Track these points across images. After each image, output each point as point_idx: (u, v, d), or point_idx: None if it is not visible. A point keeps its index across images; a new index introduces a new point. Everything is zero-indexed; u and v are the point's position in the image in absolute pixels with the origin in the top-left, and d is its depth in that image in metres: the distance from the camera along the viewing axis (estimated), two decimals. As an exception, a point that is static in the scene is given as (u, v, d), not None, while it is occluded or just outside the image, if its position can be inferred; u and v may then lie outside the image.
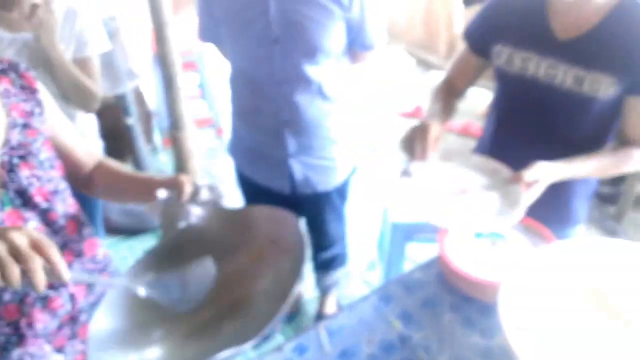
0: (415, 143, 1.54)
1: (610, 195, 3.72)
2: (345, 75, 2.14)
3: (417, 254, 3.25)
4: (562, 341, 1.16)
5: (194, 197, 1.38)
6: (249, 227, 1.44)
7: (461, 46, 1.88)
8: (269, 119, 2.08)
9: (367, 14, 1.96)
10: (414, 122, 1.61)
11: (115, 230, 3.44)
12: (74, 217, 1.37)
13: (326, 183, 2.28)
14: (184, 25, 3.92)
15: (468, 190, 1.59)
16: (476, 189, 1.59)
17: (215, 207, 1.43)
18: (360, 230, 3.61)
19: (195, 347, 1.25)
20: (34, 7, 1.90)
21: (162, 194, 1.32)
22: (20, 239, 0.92)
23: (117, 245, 3.45)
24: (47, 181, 1.29)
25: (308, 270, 2.90)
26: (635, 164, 1.65)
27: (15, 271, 0.90)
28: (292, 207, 2.42)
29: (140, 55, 2.97)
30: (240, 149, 2.30)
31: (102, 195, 1.58)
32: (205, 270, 1.25)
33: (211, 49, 2.32)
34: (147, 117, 4.36)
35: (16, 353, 1.22)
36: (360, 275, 3.28)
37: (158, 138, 4.54)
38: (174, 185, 1.35)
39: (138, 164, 3.60)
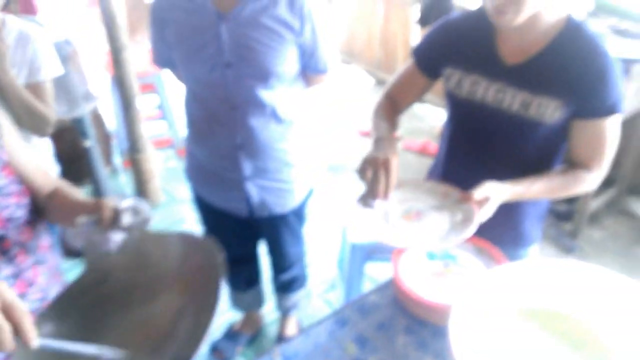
0: (377, 181, 1.53)
1: (566, 212, 3.79)
2: (299, 98, 2.15)
3: (377, 273, 3.28)
4: (510, 363, 1.17)
5: (115, 222, 1.31)
6: (174, 254, 1.38)
7: (407, 62, 1.89)
8: (223, 142, 2.08)
9: (319, 38, 1.98)
10: (369, 150, 1.61)
11: (73, 253, 3.39)
12: (26, 246, 1.35)
13: (282, 205, 2.28)
14: (141, 48, 3.92)
15: (420, 212, 1.61)
16: (428, 210, 1.61)
17: (140, 231, 1.36)
18: (320, 250, 3.62)
19: None
20: None
21: (80, 220, 1.26)
22: None
23: (76, 268, 3.40)
24: (3, 208, 1.27)
25: (268, 291, 2.90)
26: (584, 186, 1.68)
27: None
28: (249, 229, 2.45)
29: (97, 77, 2.96)
30: (197, 172, 2.29)
31: (54, 221, 1.53)
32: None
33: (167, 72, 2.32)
34: (106, 139, 4.33)
35: None
36: (320, 296, 3.28)
37: (118, 159, 4.51)
38: (94, 210, 1.29)
39: (96, 187, 3.57)
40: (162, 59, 2.15)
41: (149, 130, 4.17)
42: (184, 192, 4.08)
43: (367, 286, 3.02)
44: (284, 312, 2.87)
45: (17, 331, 0.92)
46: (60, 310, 1.26)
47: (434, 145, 4.68)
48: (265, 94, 1.98)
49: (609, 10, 3.49)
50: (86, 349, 1.13)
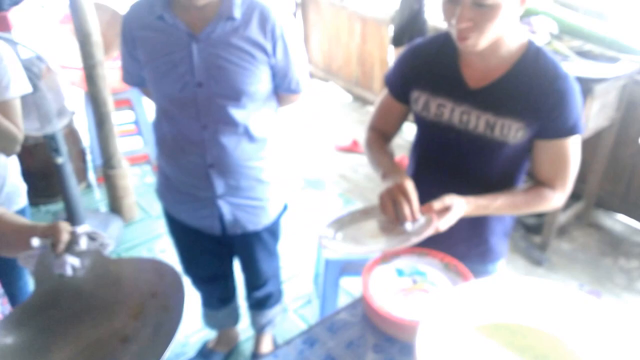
0: (401, 206, 1.57)
1: (535, 225, 3.85)
2: (272, 116, 2.17)
3: (353, 287, 3.31)
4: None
5: (72, 246, 1.31)
6: (130, 279, 1.38)
7: (383, 92, 1.94)
8: (195, 161, 2.09)
9: (291, 59, 2.01)
10: (387, 184, 1.64)
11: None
12: None
13: (256, 222, 2.30)
14: (117, 63, 3.91)
15: (386, 228, 1.64)
16: (391, 224, 1.63)
17: (97, 257, 1.36)
18: (295, 266, 3.64)
19: None
20: None
21: (36, 242, 1.26)
22: None
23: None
24: None
25: (243, 308, 2.90)
26: (549, 204, 1.73)
27: None
28: (223, 247, 2.46)
29: (72, 93, 2.96)
30: (168, 190, 2.30)
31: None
32: None
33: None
34: (81, 155, 4.32)
35: None
36: (296, 311, 3.29)
37: (92, 175, 4.50)
38: (49, 234, 1.29)
39: (68, 204, 3.56)
40: (132, 77, 2.17)
41: (124, 146, 4.17)
42: (159, 208, 4.07)
43: (342, 300, 3.04)
44: (259, 329, 2.86)
45: None
46: (7, 331, 1.26)
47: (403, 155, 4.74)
48: (237, 113, 2.00)
49: (572, 33, 3.56)
50: None
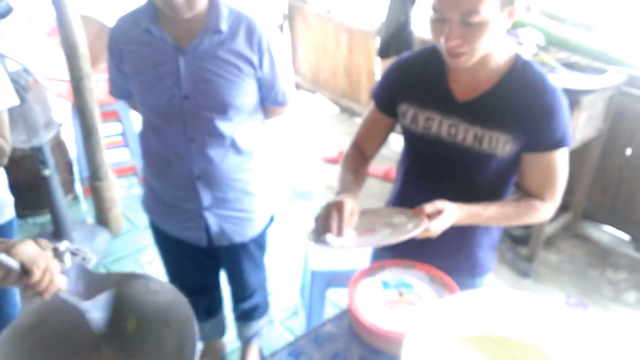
0: (330, 220, 1.58)
1: (522, 236, 3.86)
2: (259, 128, 2.18)
3: (340, 299, 3.31)
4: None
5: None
6: (118, 295, 1.38)
7: (369, 106, 1.94)
8: (181, 173, 2.09)
9: (278, 71, 2.02)
10: (329, 200, 1.65)
11: None
12: None
13: (243, 234, 2.30)
14: (104, 75, 3.91)
15: (374, 229, 1.65)
16: (381, 227, 1.65)
17: (81, 273, 1.35)
18: (281, 277, 3.63)
19: None
20: None
21: (6, 259, 1.19)
22: None
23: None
24: None
25: (230, 320, 2.90)
26: (539, 216, 1.74)
27: None
28: (209, 258, 2.45)
29: (59, 106, 2.96)
30: (154, 203, 2.30)
31: None
32: None
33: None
34: (68, 167, 4.31)
35: None
36: (282, 323, 3.29)
37: (79, 187, 4.48)
38: None
39: (55, 216, 3.54)
40: (119, 90, 2.17)
41: (111, 157, 4.16)
42: (146, 220, 4.06)
43: (329, 312, 3.03)
44: (246, 341, 2.86)
45: None
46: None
47: (390, 166, 4.76)
48: (224, 126, 2.00)
49: (559, 45, 3.58)
50: None
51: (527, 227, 3.77)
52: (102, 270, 3.62)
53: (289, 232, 4.05)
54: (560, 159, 1.67)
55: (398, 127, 1.91)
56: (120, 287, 1.40)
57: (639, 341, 3.13)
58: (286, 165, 4.97)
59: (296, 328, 3.24)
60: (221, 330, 2.91)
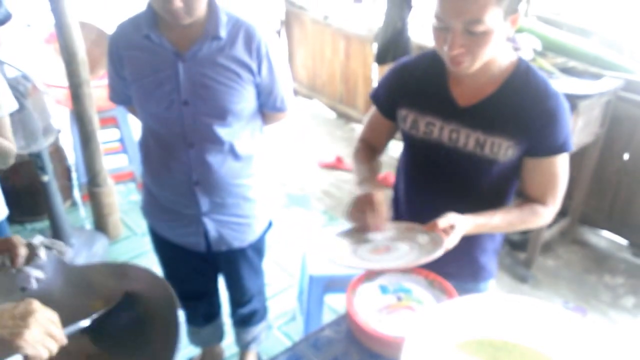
0: (366, 215, 1.60)
1: (520, 242, 3.87)
2: (258, 134, 2.19)
3: (338, 304, 3.30)
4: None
5: (31, 259, 1.30)
6: (95, 284, 1.38)
7: (372, 108, 1.95)
8: (180, 179, 2.09)
9: (276, 77, 2.03)
10: (359, 192, 1.67)
11: None
12: None
13: (241, 239, 2.30)
14: (103, 81, 3.92)
15: (389, 246, 1.65)
16: (395, 243, 1.65)
17: (59, 267, 1.35)
18: (279, 282, 3.63)
19: None
20: None
21: None
22: None
23: None
24: None
25: (228, 325, 2.89)
26: (541, 220, 1.75)
27: None
28: (208, 264, 2.46)
29: (58, 112, 2.96)
30: (153, 208, 2.30)
31: None
32: None
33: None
34: (66, 173, 4.31)
35: None
36: (280, 328, 3.29)
37: (77, 193, 4.49)
38: (4, 249, 1.28)
39: (53, 221, 3.54)
40: (118, 96, 2.18)
41: (109, 163, 4.16)
42: (144, 225, 4.06)
43: (327, 317, 3.03)
44: (244, 347, 2.85)
45: None
46: None
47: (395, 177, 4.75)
48: (223, 132, 2.01)
49: (556, 50, 3.60)
50: None
51: (524, 233, 3.77)
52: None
53: (286, 238, 4.06)
54: (562, 164, 1.68)
55: (398, 134, 1.92)
56: (100, 278, 1.40)
57: (637, 346, 3.14)
58: (283, 171, 4.98)
59: (294, 333, 3.24)
60: (219, 335, 2.90)
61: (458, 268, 1.88)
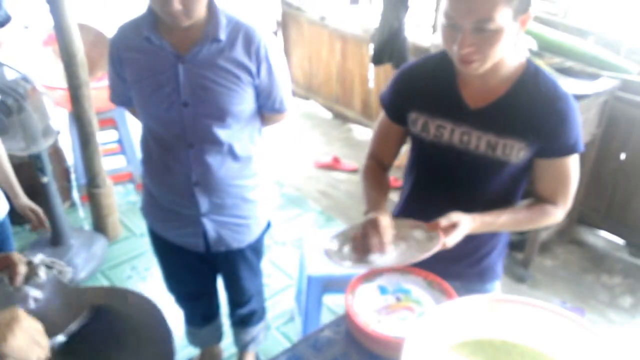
0: (370, 238, 1.59)
1: (518, 242, 3.88)
2: (257, 135, 2.20)
3: (336, 304, 3.31)
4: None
5: (31, 277, 1.28)
6: (98, 308, 1.35)
7: (380, 115, 1.93)
8: (180, 179, 2.10)
9: (275, 79, 2.04)
10: (363, 221, 1.67)
11: None
12: None
13: (240, 240, 2.31)
14: (102, 84, 3.92)
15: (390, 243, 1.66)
16: (396, 241, 1.65)
17: (58, 288, 1.32)
18: (277, 283, 3.64)
19: None
20: None
21: None
22: None
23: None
24: None
25: (226, 326, 2.90)
26: (551, 219, 1.75)
27: None
28: (206, 264, 2.47)
29: (57, 113, 2.96)
30: (153, 208, 2.31)
31: None
32: None
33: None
34: (65, 174, 4.31)
35: None
36: (278, 329, 3.29)
37: (76, 194, 4.49)
38: (3, 266, 1.25)
39: (53, 223, 3.55)
40: (119, 97, 2.19)
41: (108, 164, 4.16)
42: (143, 226, 4.07)
43: (325, 318, 3.04)
44: (242, 347, 2.86)
45: None
46: None
47: (391, 177, 4.74)
48: (222, 133, 2.02)
49: (553, 50, 3.61)
50: None
51: (522, 233, 3.78)
52: (99, 277, 3.63)
53: (283, 238, 4.07)
54: (573, 164, 1.69)
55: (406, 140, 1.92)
56: (98, 301, 1.38)
57: (636, 345, 3.15)
58: (279, 171, 4.98)
59: (292, 334, 3.25)
60: (218, 336, 2.91)
61: (465, 268, 1.89)
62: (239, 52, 1.93)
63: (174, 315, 2.71)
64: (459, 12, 1.44)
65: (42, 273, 1.30)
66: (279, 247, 3.98)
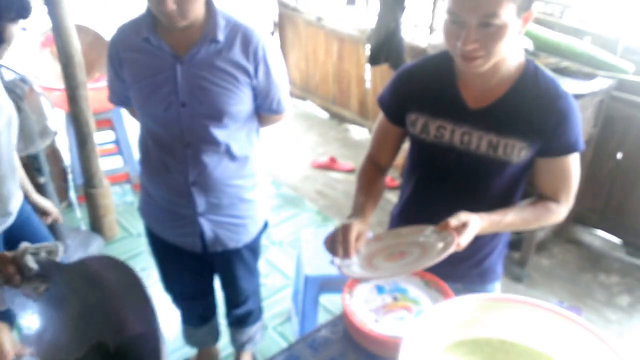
0: (337, 244, 1.60)
1: (515, 241, 3.88)
2: (254, 136, 2.20)
3: (333, 305, 3.31)
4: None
5: (23, 272, 1.27)
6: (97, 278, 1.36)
7: (379, 116, 1.92)
8: (177, 179, 2.11)
9: (273, 80, 2.04)
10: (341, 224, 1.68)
11: None
12: None
13: (237, 240, 2.31)
14: (100, 85, 3.92)
15: (404, 252, 1.65)
16: (410, 248, 1.65)
17: (55, 268, 1.32)
18: (275, 283, 3.65)
19: None
20: None
21: None
22: None
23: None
24: None
25: (223, 326, 2.90)
26: (555, 217, 1.75)
27: None
28: (204, 264, 2.47)
29: (55, 113, 2.97)
30: (150, 208, 2.31)
31: None
32: None
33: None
34: (62, 174, 4.31)
35: None
36: (275, 329, 3.30)
37: (74, 195, 4.49)
38: None
39: (50, 223, 3.54)
40: (118, 97, 2.19)
41: (105, 165, 4.16)
42: (140, 227, 4.08)
43: (322, 318, 3.04)
44: (240, 347, 2.86)
45: None
46: None
47: (388, 177, 4.75)
48: (219, 133, 2.02)
49: (549, 50, 3.61)
50: None
51: (519, 232, 3.78)
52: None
53: (280, 238, 4.07)
54: (574, 162, 1.69)
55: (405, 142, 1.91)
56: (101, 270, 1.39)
57: (633, 344, 3.16)
58: (277, 171, 4.99)
59: (289, 334, 3.25)
60: (215, 336, 2.91)
61: (466, 270, 1.89)
62: (237, 53, 1.94)
63: (171, 316, 2.71)
64: (465, 8, 1.44)
65: (32, 263, 1.29)
66: (276, 247, 3.98)
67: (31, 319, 1.37)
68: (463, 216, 1.58)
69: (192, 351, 3.01)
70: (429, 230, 1.66)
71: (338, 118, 6.00)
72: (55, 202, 3.53)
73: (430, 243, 1.61)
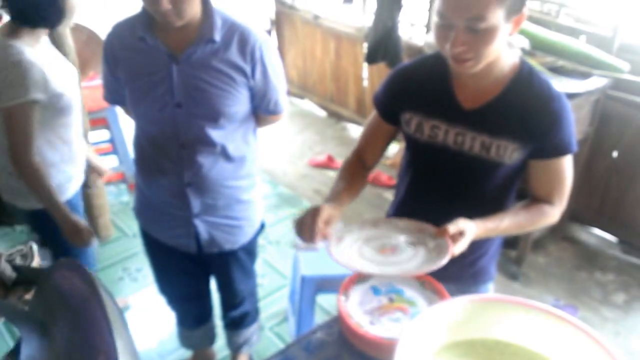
0: (304, 226, 1.60)
1: (510, 239, 3.87)
2: (250, 136, 2.19)
3: (330, 305, 3.31)
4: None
5: (5, 283, 1.26)
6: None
7: (372, 113, 1.92)
8: (172, 179, 2.09)
9: (270, 81, 2.03)
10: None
11: None
12: None
13: (232, 242, 2.30)
14: (93, 82, 3.91)
15: (395, 247, 1.65)
16: (403, 245, 1.65)
17: (31, 273, 1.31)
18: (271, 283, 3.64)
19: None
20: None
21: None
22: None
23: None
24: None
25: (219, 327, 2.89)
26: (548, 219, 1.75)
27: None
28: (199, 266, 2.46)
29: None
30: (145, 209, 2.30)
31: None
32: None
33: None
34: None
35: None
36: (271, 329, 3.29)
37: (68, 194, 4.47)
38: None
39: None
40: (113, 96, 2.18)
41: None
42: (135, 227, 4.06)
43: (319, 318, 3.03)
44: (236, 349, 2.85)
45: None
46: None
47: (385, 176, 4.75)
48: (215, 134, 2.01)
49: (545, 49, 3.60)
50: None
51: (514, 232, 3.78)
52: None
53: (277, 238, 4.06)
54: (567, 163, 1.69)
55: (395, 137, 1.91)
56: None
57: (629, 342, 3.16)
58: (273, 170, 4.98)
59: (286, 334, 3.24)
60: (211, 338, 2.90)
61: (459, 271, 1.87)
62: (234, 54, 1.92)
63: (166, 317, 2.69)
64: (452, 10, 1.44)
65: (8, 270, 1.28)
66: (273, 247, 3.97)
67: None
68: (461, 224, 1.57)
69: (187, 353, 3.00)
70: (428, 231, 1.66)
71: (335, 116, 6.00)
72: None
73: (424, 246, 1.62)
